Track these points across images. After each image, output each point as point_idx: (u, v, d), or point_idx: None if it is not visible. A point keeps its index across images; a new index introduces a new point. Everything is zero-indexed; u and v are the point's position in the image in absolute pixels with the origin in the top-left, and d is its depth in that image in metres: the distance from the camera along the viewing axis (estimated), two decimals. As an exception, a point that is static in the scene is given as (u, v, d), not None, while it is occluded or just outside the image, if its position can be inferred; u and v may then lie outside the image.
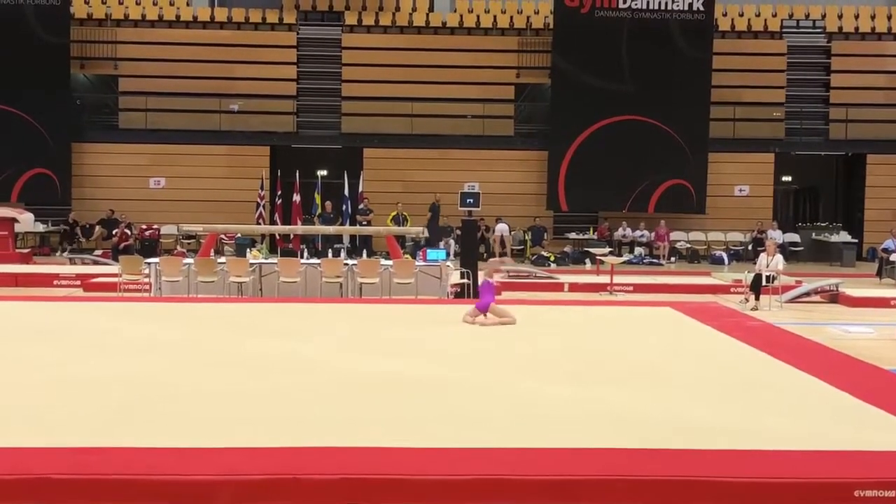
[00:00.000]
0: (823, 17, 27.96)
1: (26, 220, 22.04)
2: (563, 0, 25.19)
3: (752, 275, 15.15)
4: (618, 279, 17.47)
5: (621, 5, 25.20)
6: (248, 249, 17.09)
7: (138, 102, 26.06)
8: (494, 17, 27.43)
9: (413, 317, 11.96)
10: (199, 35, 26.80)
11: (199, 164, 25.46)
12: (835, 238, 24.80)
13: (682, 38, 25.09)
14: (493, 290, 11.04)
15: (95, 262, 20.56)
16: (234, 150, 25.51)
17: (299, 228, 21.15)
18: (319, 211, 23.18)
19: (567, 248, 24.66)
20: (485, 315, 10.78)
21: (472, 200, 16.95)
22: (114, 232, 23.70)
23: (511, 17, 27.43)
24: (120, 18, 26.94)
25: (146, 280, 14.84)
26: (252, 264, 14.64)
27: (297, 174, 22.99)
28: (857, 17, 27.88)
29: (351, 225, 22.66)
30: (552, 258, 23.20)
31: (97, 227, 24.40)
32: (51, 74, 24.66)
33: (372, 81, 26.29)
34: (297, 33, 27.02)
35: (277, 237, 22.34)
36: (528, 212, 25.08)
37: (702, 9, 25.23)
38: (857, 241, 25.12)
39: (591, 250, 21.78)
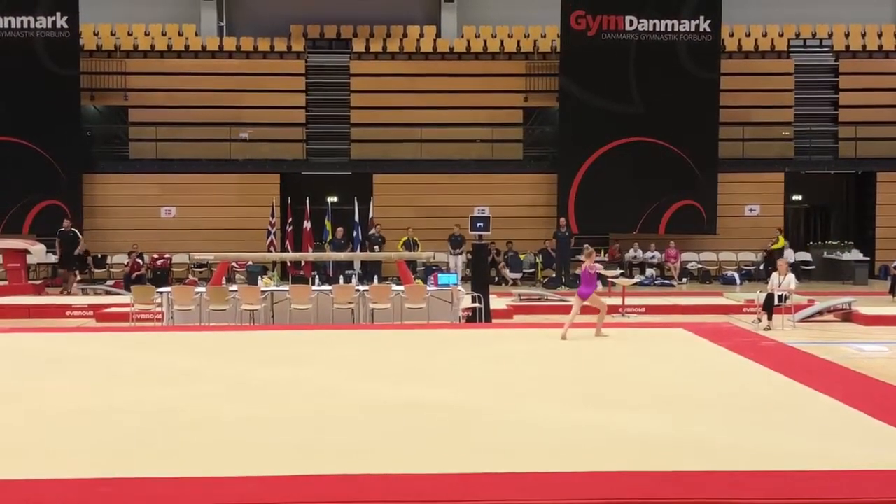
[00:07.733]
0: (830, 35, 27.96)
1: (38, 252, 22.12)
2: (570, 23, 25.23)
3: (765, 294, 15.09)
4: (630, 301, 17.44)
5: (628, 28, 25.23)
6: (259, 277, 17.14)
7: (148, 133, 26.20)
8: (501, 41, 27.53)
9: (425, 342, 11.95)
10: (208, 65, 26.97)
11: (210, 193, 25.53)
12: (846, 256, 24.73)
13: (690, 59, 25.10)
14: (593, 280, 12.13)
15: (107, 293, 20.63)
16: (244, 179, 25.59)
17: (310, 255, 21.18)
18: (330, 237, 23.20)
19: (578, 271, 24.58)
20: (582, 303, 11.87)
21: (482, 224, 16.96)
22: (120, 262, 23.74)
23: (518, 42, 27.51)
24: (129, 49, 27.12)
25: (158, 309, 14.87)
26: (264, 292, 14.66)
27: (308, 201, 23.03)
28: (863, 34, 27.87)
29: (362, 251, 22.67)
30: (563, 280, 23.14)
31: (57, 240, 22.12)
32: (61, 106, 24.75)
33: (381, 108, 26.39)
34: (306, 61, 27.15)
35: (288, 264, 22.37)
36: (539, 235, 25.05)
37: (708, 30, 25.25)
38: (868, 258, 25.05)
39: (603, 272, 21.67)
